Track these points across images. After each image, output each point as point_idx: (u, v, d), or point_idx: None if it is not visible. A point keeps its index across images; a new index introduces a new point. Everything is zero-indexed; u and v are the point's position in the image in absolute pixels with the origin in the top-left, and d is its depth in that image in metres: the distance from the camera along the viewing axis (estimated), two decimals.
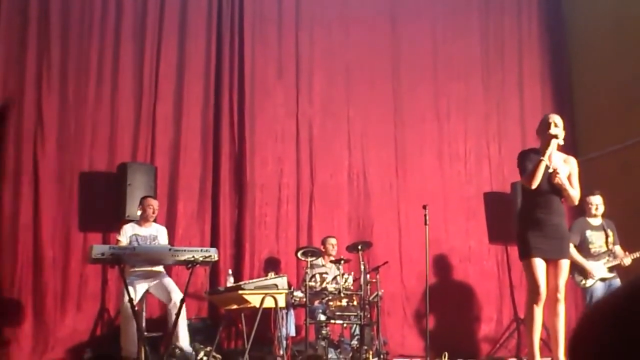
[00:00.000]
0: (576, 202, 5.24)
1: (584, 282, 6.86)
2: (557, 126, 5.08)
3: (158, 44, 8.11)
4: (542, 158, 4.96)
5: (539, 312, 5.07)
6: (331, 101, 8.61)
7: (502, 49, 9.36)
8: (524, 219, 5.22)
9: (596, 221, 6.86)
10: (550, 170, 5.00)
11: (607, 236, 6.83)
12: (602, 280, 6.80)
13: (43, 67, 7.60)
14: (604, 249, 6.80)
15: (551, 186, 5.07)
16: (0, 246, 7.14)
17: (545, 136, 5.06)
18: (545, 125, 5.14)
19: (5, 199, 7.24)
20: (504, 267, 8.65)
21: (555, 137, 5.01)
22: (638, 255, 6.85)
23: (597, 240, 6.77)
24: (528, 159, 5.12)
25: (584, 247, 6.81)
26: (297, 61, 8.57)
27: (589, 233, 6.87)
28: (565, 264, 5.16)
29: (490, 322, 8.43)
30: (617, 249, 6.89)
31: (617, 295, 0.79)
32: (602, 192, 7.28)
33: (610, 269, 6.80)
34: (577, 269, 6.83)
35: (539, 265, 5.03)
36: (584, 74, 9.18)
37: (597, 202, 6.84)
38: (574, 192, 5.11)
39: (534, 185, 4.98)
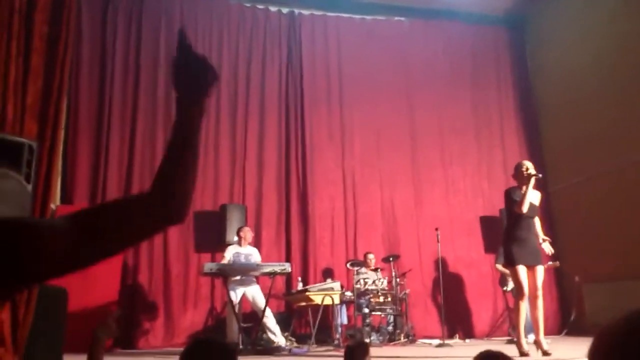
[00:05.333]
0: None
1: (505, 287, 7.15)
2: (531, 168, 5.06)
3: (245, 120, 8.21)
4: (527, 190, 4.93)
5: (523, 306, 4.95)
6: (367, 156, 8.56)
7: (488, 113, 9.21)
8: (510, 237, 5.07)
9: None
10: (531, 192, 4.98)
11: None
12: None
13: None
14: None
15: (530, 213, 5.03)
16: (140, 265, 7.28)
17: (522, 176, 5.02)
18: (520, 167, 5.11)
19: None
20: (496, 270, 8.47)
21: (536, 175, 4.99)
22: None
23: None
24: (514, 194, 5.05)
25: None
26: (342, 129, 8.57)
27: None
28: (540, 269, 5.01)
29: (488, 310, 8.22)
30: None
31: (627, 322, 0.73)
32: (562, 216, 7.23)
33: None
34: (501, 280, 7.26)
35: (522, 271, 4.93)
36: (549, 129, 9.07)
37: None
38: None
39: (525, 210, 4.93)
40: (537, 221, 5.16)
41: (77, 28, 7.55)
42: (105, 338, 1.98)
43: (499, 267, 7.19)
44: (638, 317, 0.71)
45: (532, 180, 4.96)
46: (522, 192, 4.97)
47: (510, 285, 6.99)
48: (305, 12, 8.87)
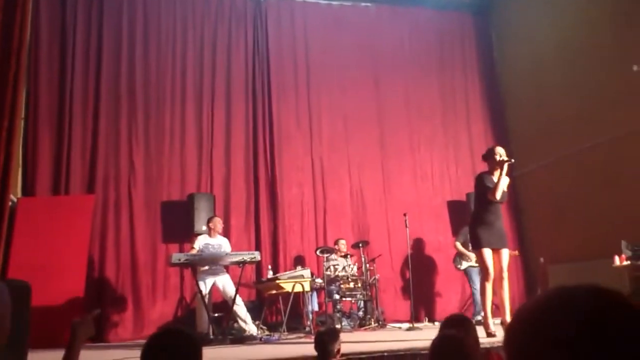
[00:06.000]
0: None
1: (459, 265, 7.42)
2: (503, 155, 5.11)
3: (211, 107, 8.10)
4: (500, 177, 4.99)
5: (489, 286, 5.04)
6: (335, 141, 8.54)
7: (454, 98, 9.25)
8: (477, 220, 5.16)
9: None
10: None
11: None
12: (472, 267, 7.18)
13: (132, 128, 7.68)
14: None
15: (500, 199, 5.09)
16: (106, 256, 7.20)
17: (495, 161, 5.07)
18: (492, 153, 5.15)
19: (109, 223, 7.33)
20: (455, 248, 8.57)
21: (509, 161, 5.05)
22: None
23: None
24: (486, 180, 5.09)
25: (466, 245, 7.14)
26: (310, 115, 8.52)
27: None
28: (505, 252, 5.11)
29: (457, 293, 8.34)
30: None
31: (540, 301, 0.75)
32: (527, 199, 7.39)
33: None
34: (457, 257, 7.47)
35: (488, 253, 5.04)
36: (514, 114, 9.21)
37: None
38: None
39: (498, 198, 5.00)
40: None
41: (35, 14, 7.33)
42: (83, 336, 1.97)
43: (458, 245, 7.43)
44: (552, 294, 0.74)
45: (505, 167, 5.03)
46: (496, 178, 5.03)
47: (464, 264, 7.28)
48: None
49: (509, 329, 0.77)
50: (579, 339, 0.67)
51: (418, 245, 8.31)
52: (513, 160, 5.13)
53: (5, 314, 0.89)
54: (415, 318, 6.88)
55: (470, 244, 7.17)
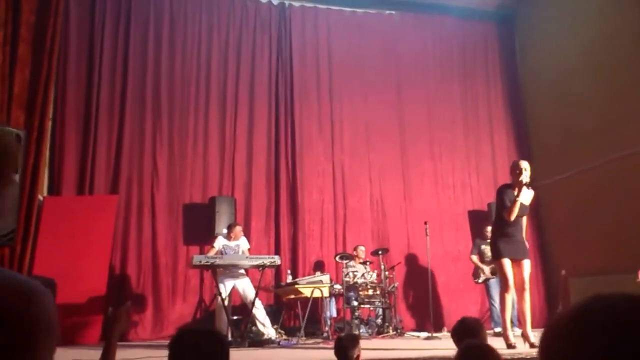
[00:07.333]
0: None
1: (476, 280, 7.33)
2: (526, 170, 5.01)
3: (235, 111, 8.14)
4: (517, 199, 4.92)
5: (509, 298, 4.98)
6: (356, 148, 8.52)
7: (476, 108, 9.18)
8: (497, 232, 5.10)
9: (487, 241, 6.76)
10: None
11: None
12: (490, 279, 7.12)
13: (157, 131, 7.76)
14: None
15: (520, 213, 5.01)
16: (128, 257, 7.27)
17: (517, 179, 4.97)
18: (516, 168, 5.05)
19: (132, 223, 7.39)
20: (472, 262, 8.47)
21: (527, 185, 4.97)
22: None
23: (488, 252, 6.60)
24: (506, 195, 4.99)
25: (482, 258, 7.20)
26: (331, 121, 8.52)
27: (483, 247, 7.19)
28: (527, 263, 5.04)
29: (476, 304, 8.25)
30: None
31: (574, 311, 0.72)
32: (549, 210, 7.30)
33: (494, 271, 7.03)
34: (474, 272, 7.38)
35: (507, 264, 4.96)
36: (537, 124, 9.10)
37: (489, 229, 6.81)
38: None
39: (512, 219, 4.94)
40: (524, 220, 5.19)
41: (65, 17, 7.45)
42: (121, 329, 1.98)
43: (474, 258, 7.32)
44: (591, 302, 0.71)
45: (524, 189, 4.95)
46: (514, 196, 4.94)
47: (481, 277, 7.20)
48: (296, 3, 8.82)
49: (543, 338, 0.75)
50: (617, 349, 0.64)
51: (438, 254, 8.21)
52: (526, 184, 5.01)
53: (55, 320, 0.86)
54: (433, 327, 6.80)
55: (485, 255, 7.16)
